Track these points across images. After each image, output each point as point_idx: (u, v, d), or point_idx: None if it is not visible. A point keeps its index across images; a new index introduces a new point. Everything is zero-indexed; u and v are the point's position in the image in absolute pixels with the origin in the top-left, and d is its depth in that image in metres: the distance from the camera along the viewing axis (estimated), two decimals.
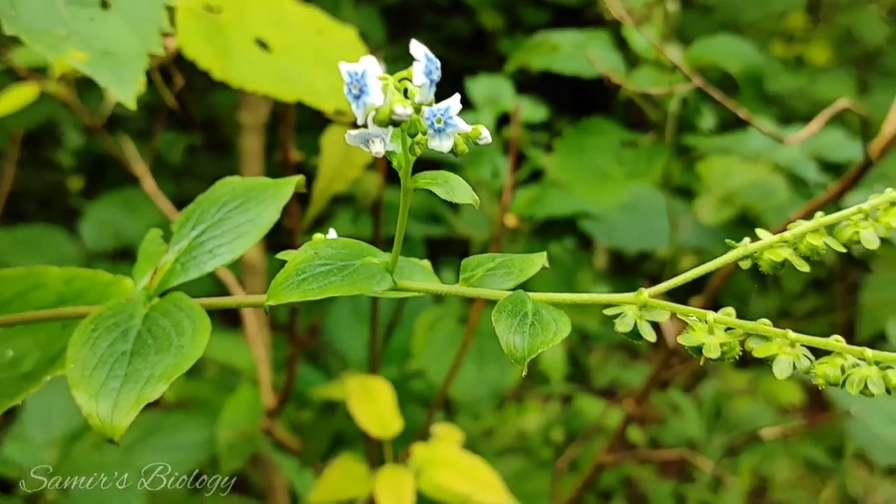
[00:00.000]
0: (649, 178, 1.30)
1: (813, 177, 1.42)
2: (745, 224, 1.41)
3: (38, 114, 1.87)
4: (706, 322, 0.45)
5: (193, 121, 2.12)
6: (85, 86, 1.22)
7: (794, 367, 0.43)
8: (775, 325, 0.45)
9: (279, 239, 0.79)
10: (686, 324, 0.46)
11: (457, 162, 1.34)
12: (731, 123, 1.50)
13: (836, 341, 0.43)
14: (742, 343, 0.44)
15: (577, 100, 2.19)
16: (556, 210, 1.32)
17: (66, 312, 0.56)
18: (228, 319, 1.75)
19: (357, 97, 0.39)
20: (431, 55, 0.40)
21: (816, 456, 1.84)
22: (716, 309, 0.45)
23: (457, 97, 0.41)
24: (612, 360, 2.16)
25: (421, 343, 1.27)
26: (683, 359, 1.65)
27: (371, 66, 0.39)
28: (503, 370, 1.28)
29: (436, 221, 1.46)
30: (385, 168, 1.12)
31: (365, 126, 0.40)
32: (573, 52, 1.31)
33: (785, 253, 0.45)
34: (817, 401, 2.12)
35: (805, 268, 0.45)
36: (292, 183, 0.55)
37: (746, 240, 0.47)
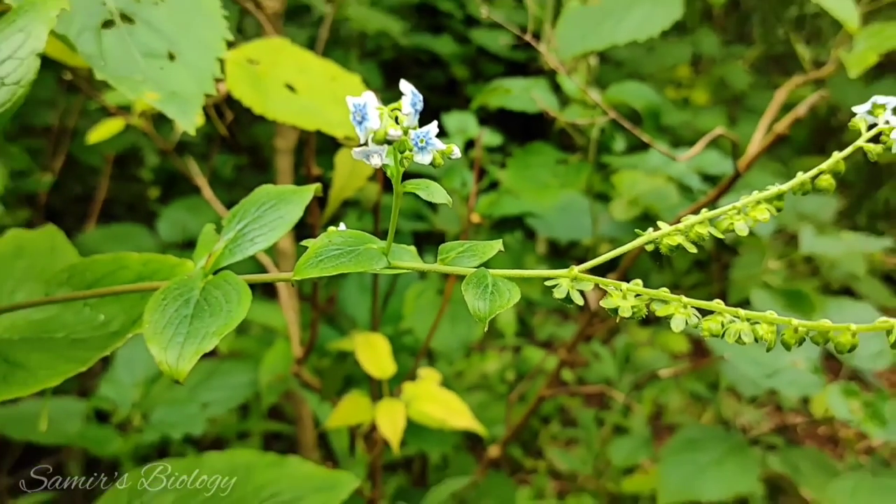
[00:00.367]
0: (577, 186, 1.29)
1: (696, 185, 1.42)
2: (647, 220, 1.42)
3: (125, 141, 1.85)
4: (621, 290, 0.44)
5: (240, 146, 2.11)
6: (159, 119, 1.21)
7: (686, 323, 0.43)
8: None
9: (304, 232, 0.78)
10: (605, 292, 0.45)
11: (435, 174, 1.33)
12: (636, 146, 1.50)
13: (717, 304, 0.43)
14: (647, 306, 0.44)
15: (524, 129, 2.18)
16: (509, 210, 1.31)
17: (143, 286, 0.55)
18: (268, 293, 1.74)
19: (360, 122, 0.38)
20: (416, 91, 0.39)
21: (699, 389, 1.85)
22: (626, 281, 0.45)
23: (435, 124, 0.41)
24: (550, 321, 2.16)
25: (410, 308, 1.27)
26: (602, 319, 1.65)
27: (370, 100, 0.38)
28: (470, 328, 1.28)
29: (420, 219, 1.45)
30: (382, 179, 1.11)
31: (366, 144, 0.39)
32: (521, 94, 1.30)
33: (679, 239, 0.45)
34: (699, 349, 2.14)
35: (693, 250, 0.45)
36: (311, 189, 0.54)
37: (650, 230, 0.46)
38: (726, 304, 0.44)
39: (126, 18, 0.65)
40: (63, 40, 0.62)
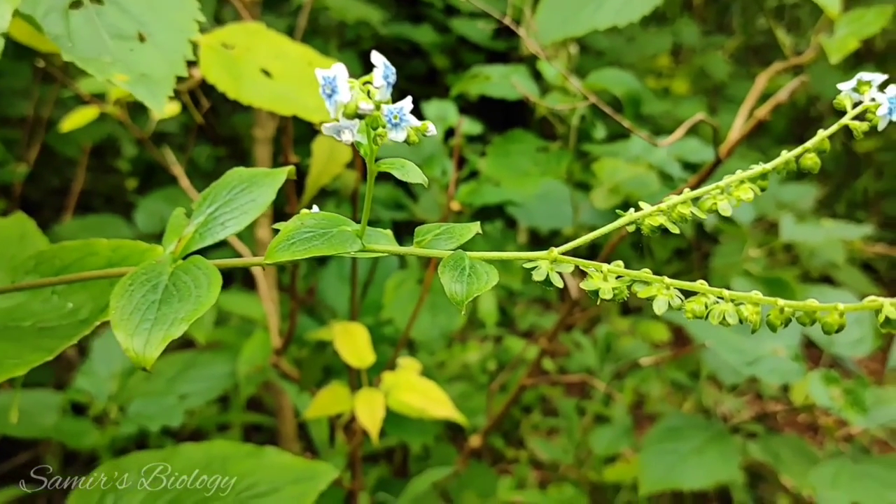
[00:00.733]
0: (557, 174, 1.28)
1: (677, 173, 1.41)
2: (627, 208, 1.40)
3: (101, 131, 1.82)
4: (602, 272, 0.43)
5: (219, 136, 2.09)
6: (135, 108, 1.18)
7: (669, 305, 0.42)
8: None
9: (283, 220, 0.77)
10: (586, 277, 0.44)
11: (416, 162, 1.31)
12: (617, 134, 1.49)
13: (701, 284, 0.42)
14: (629, 287, 0.43)
15: (504, 117, 2.17)
16: (489, 199, 1.30)
17: (112, 272, 0.54)
18: (247, 284, 1.72)
19: (330, 96, 0.37)
20: (388, 63, 0.37)
21: (680, 378, 1.85)
22: None
23: (409, 99, 0.39)
24: (531, 311, 2.15)
25: (390, 298, 1.25)
26: (583, 309, 1.64)
27: (341, 72, 0.37)
28: (451, 318, 1.26)
29: (400, 208, 1.43)
30: (361, 166, 1.10)
31: (337, 120, 0.38)
32: (501, 81, 1.29)
33: (661, 219, 0.44)
34: (680, 338, 2.13)
35: (676, 230, 0.44)
36: (284, 172, 0.53)
37: (632, 210, 0.45)
38: None
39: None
40: (29, 21, 0.60)
